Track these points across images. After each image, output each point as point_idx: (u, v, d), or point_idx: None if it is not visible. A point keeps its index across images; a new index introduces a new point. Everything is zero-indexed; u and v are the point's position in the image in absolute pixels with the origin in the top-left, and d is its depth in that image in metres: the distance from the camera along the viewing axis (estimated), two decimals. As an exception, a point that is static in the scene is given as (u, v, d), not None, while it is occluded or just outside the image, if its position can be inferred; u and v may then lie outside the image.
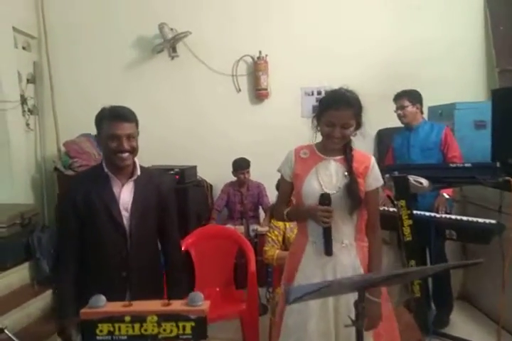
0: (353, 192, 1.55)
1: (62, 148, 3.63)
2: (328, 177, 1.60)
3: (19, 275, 2.98)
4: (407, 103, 2.87)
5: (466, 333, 2.62)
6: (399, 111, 2.91)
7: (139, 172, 1.63)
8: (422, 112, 2.97)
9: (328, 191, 1.57)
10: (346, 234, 1.61)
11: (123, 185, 1.60)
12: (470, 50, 3.83)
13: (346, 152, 1.62)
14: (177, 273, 1.75)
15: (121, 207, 1.58)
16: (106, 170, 1.59)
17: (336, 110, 1.52)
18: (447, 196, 2.73)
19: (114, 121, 1.53)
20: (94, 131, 3.60)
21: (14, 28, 3.39)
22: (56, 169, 3.49)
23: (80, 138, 3.55)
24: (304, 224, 1.65)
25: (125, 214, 1.59)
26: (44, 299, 2.89)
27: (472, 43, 3.84)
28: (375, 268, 1.63)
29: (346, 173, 1.59)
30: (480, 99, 3.76)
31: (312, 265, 1.61)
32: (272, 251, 2.38)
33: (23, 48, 3.63)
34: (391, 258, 3.13)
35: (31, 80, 3.67)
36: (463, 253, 3.11)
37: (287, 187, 1.70)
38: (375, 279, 1.15)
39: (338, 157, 1.63)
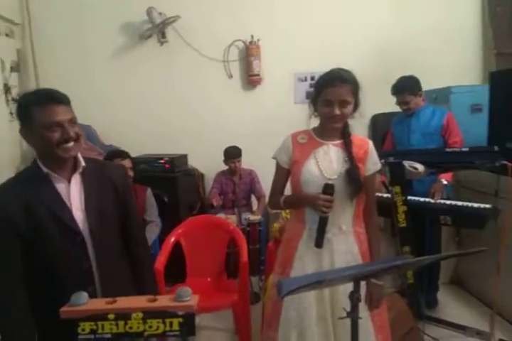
0: (354, 178, 1.53)
1: (49, 138, 3.54)
2: (328, 162, 1.57)
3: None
4: (409, 97, 2.74)
5: (459, 317, 2.64)
6: (403, 107, 2.80)
7: (83, 162, 1.36)
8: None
9: (328, 176, 1.54)
10: (344, 220, 1.59)
11: (69, 182, 1.33)
12: (466, 33, 3.74)
13: (345, 136, 1.59)
14: (146, 272, 1.53)
15: (73, 209, 1.32)
16: (45, 169, 1.30)
17: (333, 87, 1.49)
18: (445, 182, 2.68)
19: (49, 105, 1.23)
20: (80, 120, 3.53)
21: (-4, 14, 3.25)
22: (42, 159, 3.40)
23: (67, 127, 3.46)
24: (301, 210, 1.61)
25: (80, 217, 1.32)
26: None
27: (468, 26, 3.73)
28: (375, 253, 1.64)
29: (347, 158, 1.56)
30: (475, 83, 3.70)
31: (310, 252, 1.58)
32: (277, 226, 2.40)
33: (6, 35, 3.48)
34: (384, 244, 3.12)
35: (15, 68, 3.53)
36: (456, 239, 3.09)
37: (283, 175, 1.66)
38: (372, 271, 1.11)
39: (337, 141, 1.60)
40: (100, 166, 1.45)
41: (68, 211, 1.31)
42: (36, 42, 3.66)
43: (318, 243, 1.51)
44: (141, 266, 1.51)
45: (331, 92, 1.49)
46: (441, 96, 3.28)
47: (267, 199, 3.47)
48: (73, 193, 1.33)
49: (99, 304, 1.10)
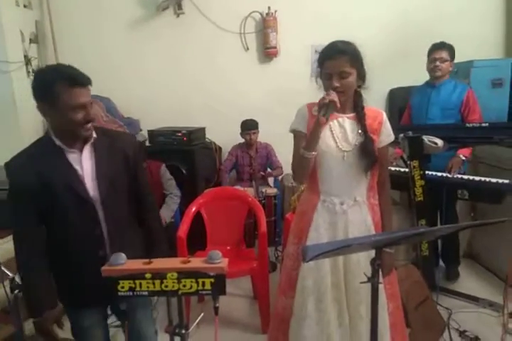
0: (369, 151, 1.55)
1: (68, 110, 3.58)
2: (343, 134, 1.58)
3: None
4: (447, 57, 2.72)
5: (473, 289, 2.71)
6: (437, 63, 2.72)
7: (94, 134, 1.41)
8: None
9: (343, 148, 1.56)
10: (359, 192, 1.61)
11: (81, 154, 1.40)
12: (488, 4, 3.64)
13: (358, 109, 1.60)
14: (156, 237, 1.60)
15: (86, 179, 1.39)
16: (58, 142, 1.36)
17: (329, 60, 1.50)
18: (464, 157, 2.67)
19: (76, 87, 1.27)
20: (100, 92, 3.52)
21: (13, -15, 3.23)
22: (63, 131, 3.46)
23: (86, 100, 3.49)
24: (315, 183, 1.64)
25: (91, 185, 1.39)
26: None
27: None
28: (387, 224, 1.68)
29: (361, 131, 1.57)
30: (497, 56, 3.62)
31: (324, 223, 1.62)
32: None
33: (24, 6, 3.47)
34: (400, 218, 3.16)
35: (34, 40, 3.55)
36: (472, 214, 3.12)
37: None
38: (395, 238, 1.15)
39: (351, 114, 1.61)
40: (112, 137, 1.49)
41: (80, 180, 1.38)
42: (54, 13, 3.64)
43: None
44: (152, 232, 1.59)
45: (329, 65, 1.49)
46: (462, 70, 3.22)
47: (284, 171, 3.56)
48: (85, 163, 1.40)
49: (137, 264, 1.16)
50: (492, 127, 2.33)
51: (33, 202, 1.35)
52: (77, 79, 1.29)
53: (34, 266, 1.38)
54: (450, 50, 2.73)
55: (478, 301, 2.56)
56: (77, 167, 1.38)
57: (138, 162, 1.54)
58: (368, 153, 1.54)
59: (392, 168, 2.68)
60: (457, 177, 2.55)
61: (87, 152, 1.40)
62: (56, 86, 1.26)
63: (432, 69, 2.76)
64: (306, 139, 1.54)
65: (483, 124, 2.40)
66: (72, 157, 1.38)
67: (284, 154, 3.70)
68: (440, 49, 2.73)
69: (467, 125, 2.48)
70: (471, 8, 3.58)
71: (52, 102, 1.28)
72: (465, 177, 2.53)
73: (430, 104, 2.79)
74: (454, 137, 2.42)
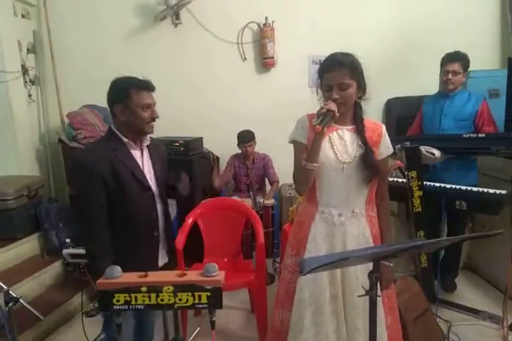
0: (369, 163, 1.54)
1: (66, 120, 3.57)
2: (343, 146, 1.58)
3: (29, 245, 3.02)
4: (460, 69, 2.65)
5: (472, 302, 2.69)
6: (449, 76, 2.66)
7: (149, 138, 1.74)
8: None
9: (343, 160, 1.55)
10: (358, 204, 1.61)
11: (142, 152, 1.71)
12: (485, 16, 3.68)
13: (357, 122, 1.59)
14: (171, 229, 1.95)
15: (145, 171, 1.69)
16: (125, 139, 1.64)
17: (329, 72, 1.50)
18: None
19: (145, 90, 1.62)
20: (97, 102, 3.52)
21: (12, -5, 3.25)
22: (60, 141, 3.45)
23: (84, 109, 3.48)
24: (314, 193, 1.63)
25: (149, 177, 1.70)
26: (54, 269, 2.94)
27: (487, 10, 3.68)
28: (386, 236, 1.67)
29: (361, 143, 1.56)
30: (493, 67, 3.65)
31: (322, 234, 1.61)
32: None
33: (22, 16, 3.48)
34: (398, 229, 3.15)
35: (31, 50, 3.55)
36: (470, 225, 3.11)
37: (305, 153, 1.57)
38: (393, 250, 1.14)
39: (351, 126, 1.60)
40: (155, 145, 1.80)
41: (142, 172, 1.68)
42: (52, 23, 3.64)
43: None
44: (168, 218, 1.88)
45: (329, 77, 1.50)
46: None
47: (279, 184, 3.54)
48: (144, 161, 1.71)
49: (133, 277, 1.15)
50: (489, 138, 2.34)
51: (104, 187, 1.57)
52: (145, 85, 1.63)
53: (106, 240, 1.59)
54: (464, 61, 2.67)
55: (478, 313, 2.53)
56: (139, 162, 1.67)
57: (166, 164, 1.86)
58: (368, 165, 1.54)
59: (390, 179, 2.67)
60: (455, 187, 2.51)
61: (146, 152, 1.72)
62: (130, 89, 1.59)
63: (444, 81, 2.71)
64: (307, 150, 1.54)
65: (480, 135, 2.41)
66: (134, 153, 1.67)
67: (282, 164, 3.69)
68: (453, 61, 2.66)
69: (464, 136, 2.48)
70: (467, 20, 3.61)
71: (125, 103, 1.59)
72: (463, 187, 2.50)
73: (443, 114, 2.73)
74: (451, 148, 2.42)
